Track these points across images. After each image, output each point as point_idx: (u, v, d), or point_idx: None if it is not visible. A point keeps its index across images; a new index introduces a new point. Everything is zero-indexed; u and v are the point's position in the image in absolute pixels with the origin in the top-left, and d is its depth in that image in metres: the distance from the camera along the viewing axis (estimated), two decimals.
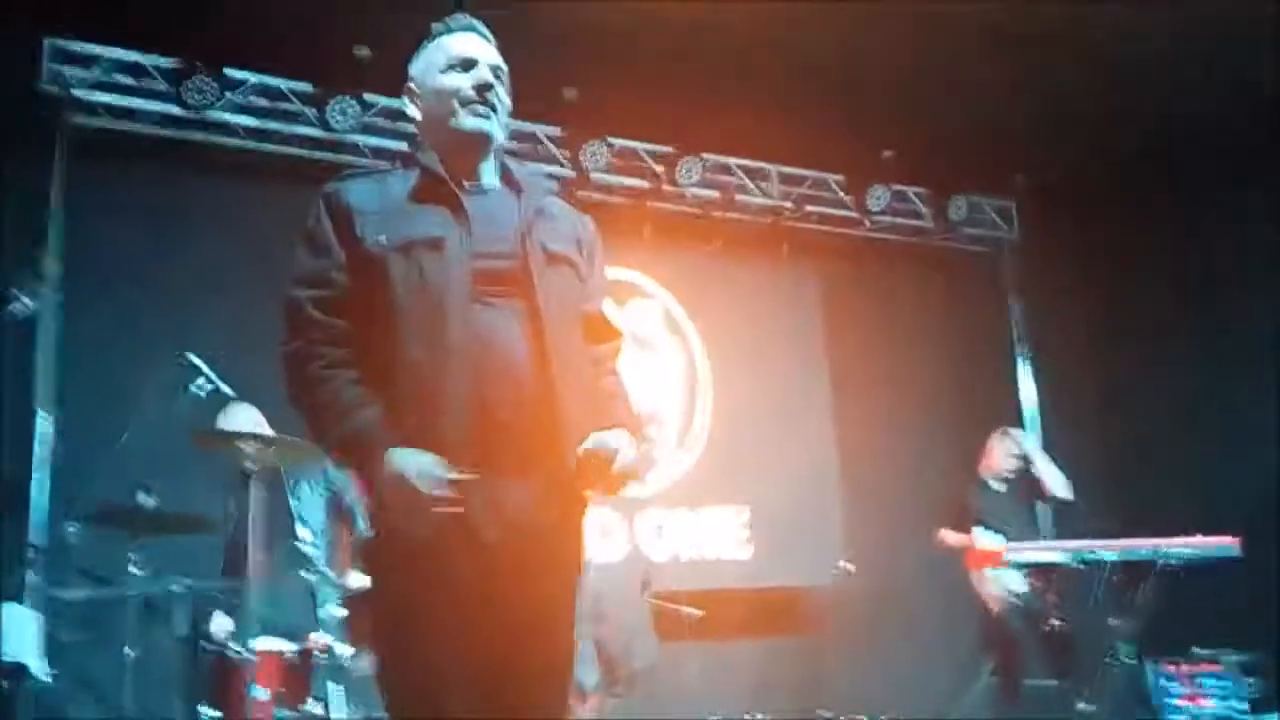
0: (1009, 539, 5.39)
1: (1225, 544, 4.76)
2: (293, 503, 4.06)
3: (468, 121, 1.98)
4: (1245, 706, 5.56)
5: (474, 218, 1.93)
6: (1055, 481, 5.64)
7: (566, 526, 1.95)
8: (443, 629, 1.80)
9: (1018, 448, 5.77)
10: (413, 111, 2.07)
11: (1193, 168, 6.60)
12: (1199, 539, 4.87)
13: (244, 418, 4.11)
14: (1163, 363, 6.79)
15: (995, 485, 5.77)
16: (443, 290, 1.85)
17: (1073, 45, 5.68)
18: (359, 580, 3.71)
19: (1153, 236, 6.86)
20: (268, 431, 4.10)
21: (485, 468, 1.82)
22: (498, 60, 2.05)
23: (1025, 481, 5.73)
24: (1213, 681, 5.69)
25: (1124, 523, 5.35)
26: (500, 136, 2.02)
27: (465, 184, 1.98)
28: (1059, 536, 5.90)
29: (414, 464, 1.78)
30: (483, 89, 1.99)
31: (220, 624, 3.87)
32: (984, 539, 5.50)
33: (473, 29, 2.06)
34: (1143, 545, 4.97)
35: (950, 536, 5.63)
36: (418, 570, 1.81)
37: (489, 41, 2.07)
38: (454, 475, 1.78)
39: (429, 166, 1.98)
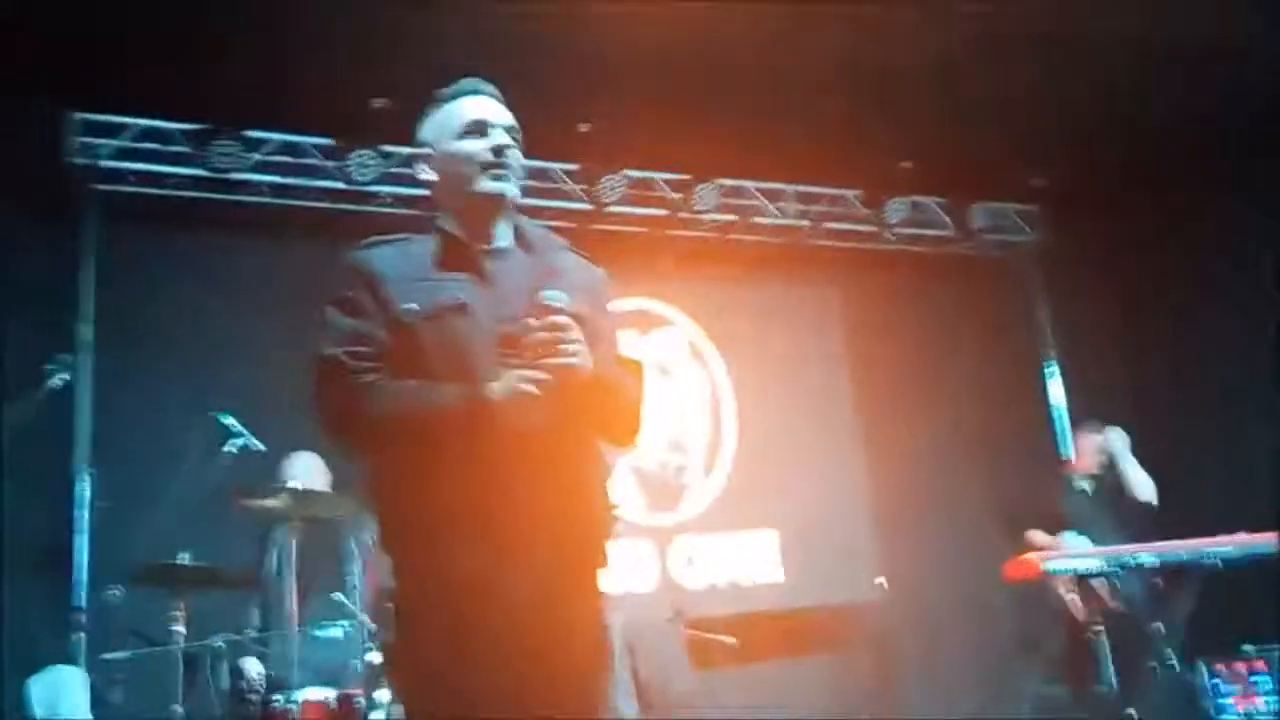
0: (1093, 541, 5.31)
1: (1266, 541, 4.68)
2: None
3: (487, 185, 1.99)
4: None
5: (493, 281, 1.96)
6: (1138, 484, 5.50)
7: (586, 580, 1.98)
8: (469, 682, 1.82)
9: (1107, 445, 5.60)
10: (428, 176, 2.07)
11: (1217, 162, 6.51)
12: (1241, 537, 4.79)
13: (304, 466, 4.24)
14: (1193, 361, 6.69)
15: (1080, 484, 5.65)
16: (470, 354, 1.88)
17: (1085, 47, 5.65)
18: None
19: (1180, 234, 6.77)
20: (324, 480, 4.24)
21: (508, 523, 1.85)
22: (510, 120, 2.05)
23: (1111, 480, 5.59)
24: (1265, 679, 5.57)
25: (1164, 525, 5.27)
26: (517, 196, 2.04)
27: (482, 247, 2.00)
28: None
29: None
30: (499, 152, 2.00)
31: (254, 669, 3.97)
32: (1070, 543, 5.37)
33: (480, 91, 2.07)
34: (1182, 547, 4.91)
35: (1039, 538, 5.49)
36: (441, 624, 1.85)
37: (499, 101, 2.06)
38: None
39: (449, 232, 2.01)
